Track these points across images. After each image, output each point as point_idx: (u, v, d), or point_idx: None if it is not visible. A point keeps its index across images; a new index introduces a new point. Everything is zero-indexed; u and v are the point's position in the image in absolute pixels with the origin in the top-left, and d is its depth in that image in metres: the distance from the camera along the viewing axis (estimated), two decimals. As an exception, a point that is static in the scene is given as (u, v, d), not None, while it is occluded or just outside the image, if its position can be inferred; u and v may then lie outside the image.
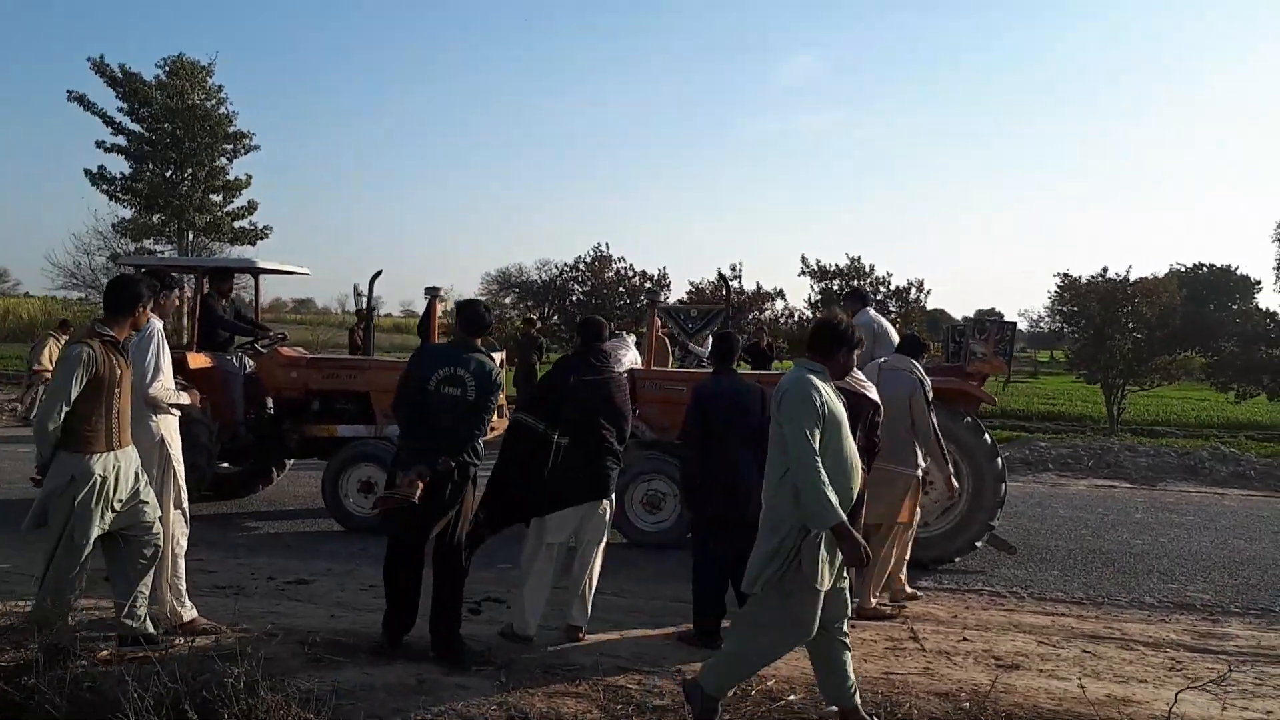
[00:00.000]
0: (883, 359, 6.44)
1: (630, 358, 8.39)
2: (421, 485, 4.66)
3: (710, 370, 6.07)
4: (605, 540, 5.53)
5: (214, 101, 26.25)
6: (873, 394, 5.63)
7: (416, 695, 4.44)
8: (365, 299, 8.94)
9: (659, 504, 7.85)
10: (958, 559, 7.42)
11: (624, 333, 10.60)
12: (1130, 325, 23.73)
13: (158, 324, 5.34)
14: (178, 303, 5.73)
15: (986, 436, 7.19)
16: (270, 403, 8.77)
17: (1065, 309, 25.05)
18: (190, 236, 26.85)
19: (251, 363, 8.82)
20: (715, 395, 5.52)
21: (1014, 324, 7.51)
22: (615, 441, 5.41)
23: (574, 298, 28.87)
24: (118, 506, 4.63)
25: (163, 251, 26.65)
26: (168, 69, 25.46)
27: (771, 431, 4.08)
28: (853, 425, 5.52)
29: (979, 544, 7.22)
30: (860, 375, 5.69)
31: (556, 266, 31.36)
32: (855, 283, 25.99)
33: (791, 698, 4.59)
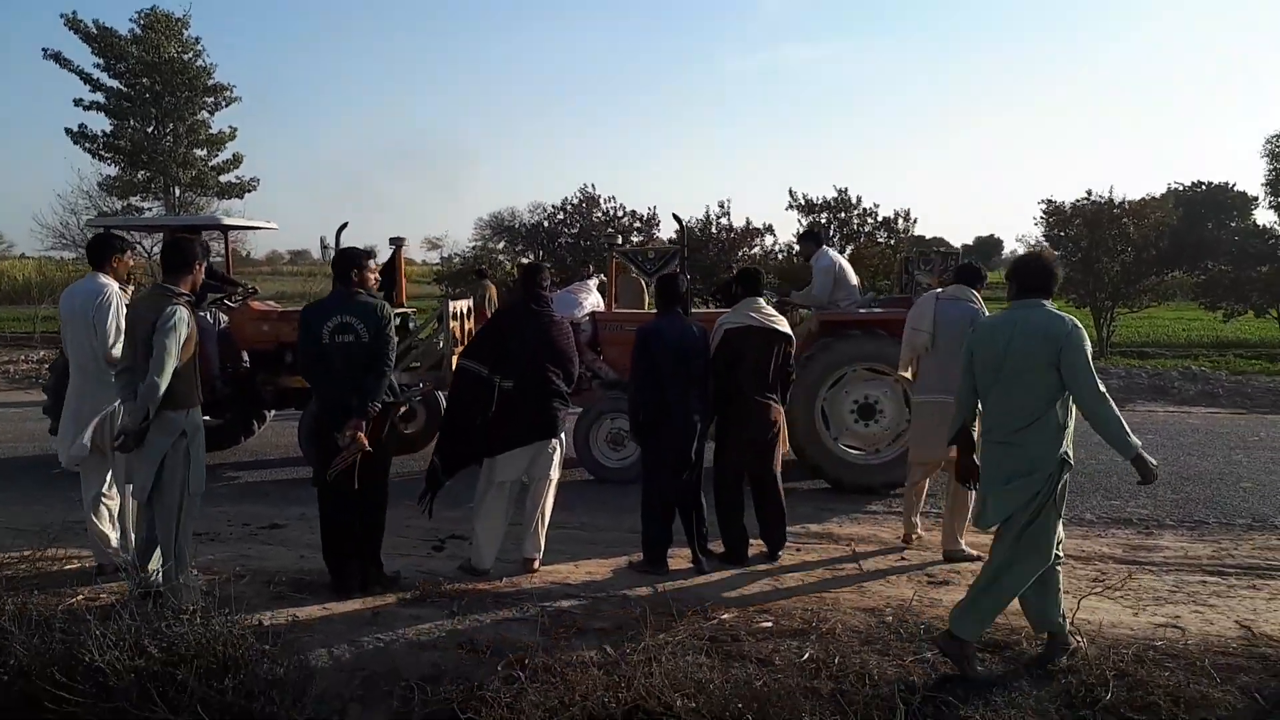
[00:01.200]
0: (939, 290, 6.24)
1: (593, 300, 8.60)
2: (363, 434, 4.90)
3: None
4: (556, 477, 5.77)
5: (191, 54, 26.05)
6: (783, 328, 5.89)
7: (370, 626, 4.74)
8: (331, 250, 9.07)
9: (622, 441, 8.09)
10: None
11: (597, 275, 10.77)
12: (1117, 248, 23.75)
13: (114, 286, 5.56)
14: (131, 263, 5.91)
15: (932, 364, 7.39)
16: (245, 356, 8.98)
17: (1051, 234, 25.04)
18: (176, 192, 26.87)
19: (225, 318, 9.02)
20: (659, 337, 5.70)
21: (958, 253, 7.68)
22: (561, 383, 5.63)
23: (563, 240, 28.84)
24: None
25: (149, 208, 26.69)
26: (142, 22, 25.22)
27: (1025, 370, 4.12)
28: (767, 360, 5.81)
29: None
30: (770, 310, 5.94)
31: (546, 209, 31.30)
32: (842, 215, 26.03)
33: (724, 616, 4.87)
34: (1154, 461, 4.11)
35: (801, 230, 8.45)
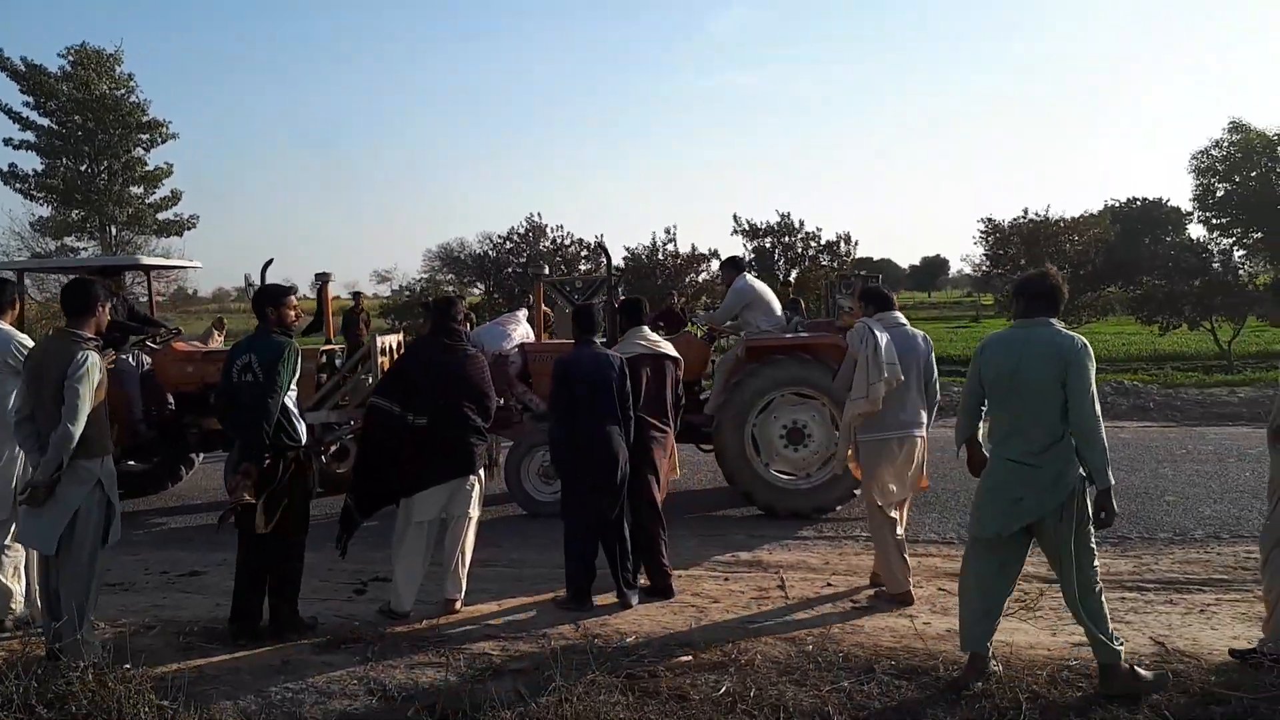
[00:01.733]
0: (878, 316, 5.85)
1: (522, 331, 8.53)
2: (251, 482, 4.79)
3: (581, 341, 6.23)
4: (476, 514, 5.68)
5: (124, 90, 25.73)
6: (671, 351, 6.02)
7: (279, 675, 4.61)
8: (255, 287, 8.94)
9: (554, 475, 8.00)
10: (839, 507, 7.73)
11: (534, 306, 10.71)
12: (1053, 264, 24.30)
13: (18, 334, 5.40)
14: (17, 308, 5.71)
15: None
16: (170, 399, 8.79)
17: (991, 252, 25.58)
18: (113, 231, 26.46)
19: (148, 360, 8.83)
20: (576, 366, 5.68)
21: (878, 277, 7.77)
22: (478, 418, 5.56)
23: (510, 270, 28.81)
24: None
25: (85, 249, 26.26)
26: (72, 59, 24.88)
27: (1037, 390, 4.14)
28: (661, 385, 5.85)
29: (857, 491, 7.48)
30: (655, 336, 6.02)
31: (493, 239, 31.28)
32: (785, 239, 26.38)
33: (644, 651, 4.83)
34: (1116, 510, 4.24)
35: (725, 259, 8.60)
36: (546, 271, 13.70)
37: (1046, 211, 24.69)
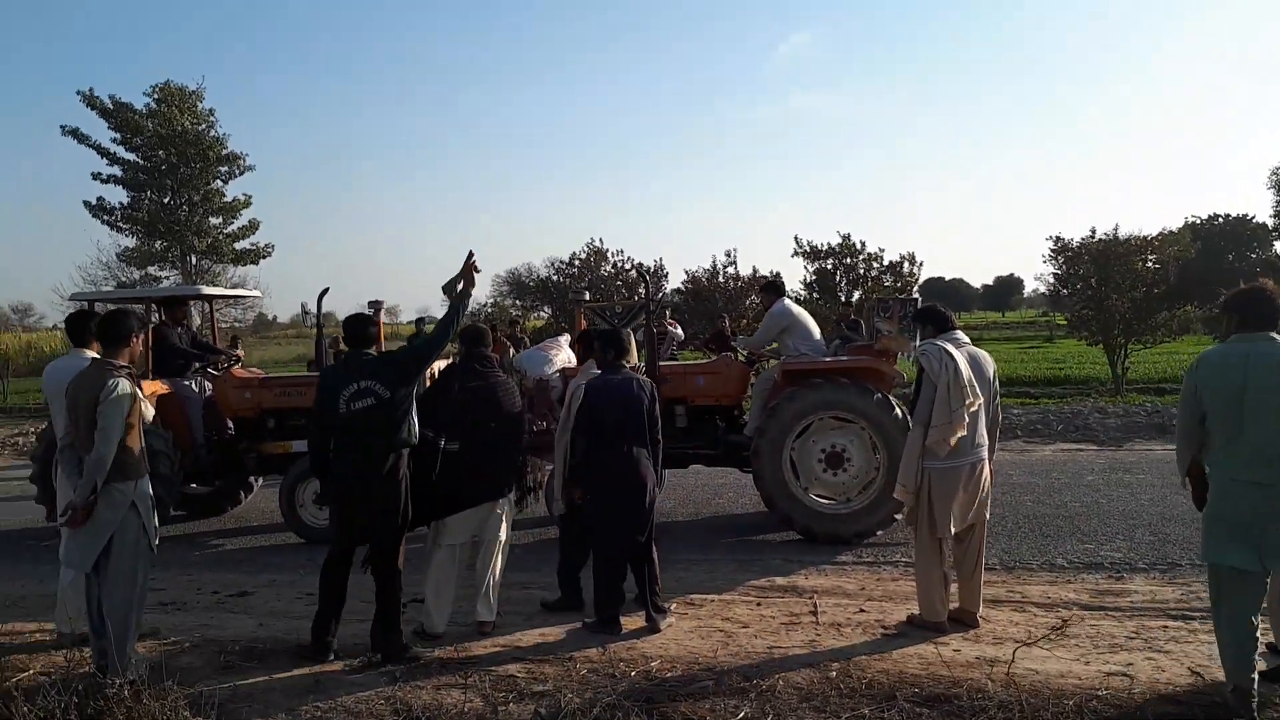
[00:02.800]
0: (942, 338, 5.51)
1: (564, 356, 8.64)
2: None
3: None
4: (506, 538, 5.78)
5: (204, 125, 26.80)
6: (642, 377, 6.07)
7: (309, 694, 4.74)
8: (315, 316, 9.24)
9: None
10: (879, 532, 7.64)
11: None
12: (1125, 284, 23.58)
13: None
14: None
15: (897, 411, 7.36)
16: (230, 424, 9.10)
17: (1059, 272, 24.92)
18: (193, 260, 27.48)
19: (210, 386, 9.17)
20: (603, 392, 5.74)
21: (916, 300, 7.70)
22: (509, 443, 5.67)
23: (570, 295, 29.08)
24: None
25: (167, 277, 27.29)
26: (156, 96, 26.02)
27: (1267, 408, 4.04)
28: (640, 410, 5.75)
29: (898, 516, 7.40)
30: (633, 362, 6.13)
31: (557, 264, 31.64)
32: (847, 260, 26.14)
33: (667, 675, 4.85)
34: None
35: (765, 282, 8.78)
36: (587, 296, 13.78)
37: (1115, 231, 23.94)
